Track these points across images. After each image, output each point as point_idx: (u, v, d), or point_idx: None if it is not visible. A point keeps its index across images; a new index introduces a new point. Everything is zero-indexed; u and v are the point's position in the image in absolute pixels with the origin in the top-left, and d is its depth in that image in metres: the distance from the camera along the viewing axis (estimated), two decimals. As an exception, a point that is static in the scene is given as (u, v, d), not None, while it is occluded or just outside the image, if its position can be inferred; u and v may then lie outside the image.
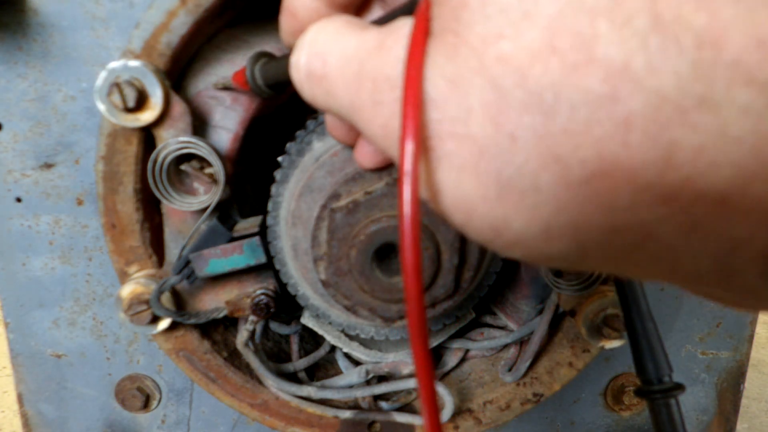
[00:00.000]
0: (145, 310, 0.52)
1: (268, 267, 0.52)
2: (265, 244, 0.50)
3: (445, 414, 0.59)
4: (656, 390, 0.43)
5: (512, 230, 0.22)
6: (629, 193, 0.18)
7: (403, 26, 0.24)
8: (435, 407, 0.23)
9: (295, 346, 0.63)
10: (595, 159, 0.18)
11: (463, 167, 0.21)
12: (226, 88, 0.50)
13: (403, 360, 0.60)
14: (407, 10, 0.27)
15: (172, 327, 0.55)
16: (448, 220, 0.24)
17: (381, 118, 0.24)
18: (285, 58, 0.38)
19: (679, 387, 0.43)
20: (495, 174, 0.21)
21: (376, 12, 0.32)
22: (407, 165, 0.21)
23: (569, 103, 0.18)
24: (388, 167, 0.39)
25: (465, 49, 0.20)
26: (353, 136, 0.36)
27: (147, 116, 0.46)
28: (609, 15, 0.17)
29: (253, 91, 0.43)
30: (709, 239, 0.18)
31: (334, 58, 0.26)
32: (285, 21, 0.32)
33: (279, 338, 0.67)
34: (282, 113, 0.64)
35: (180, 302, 0.54)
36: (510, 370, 0.61)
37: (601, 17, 0.17)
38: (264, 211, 0.51)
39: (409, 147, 0.21)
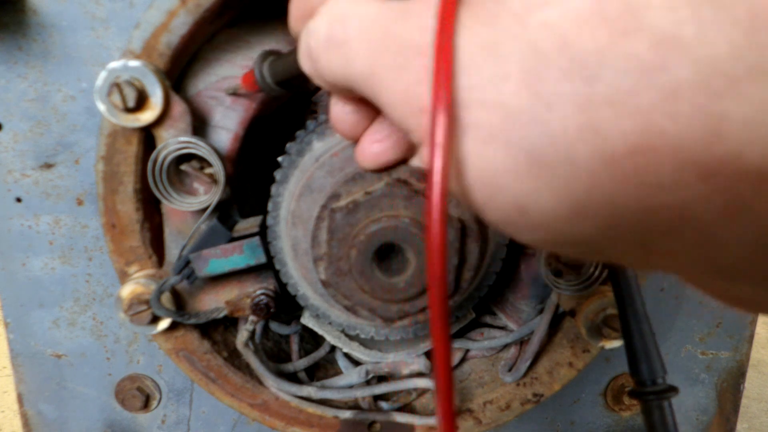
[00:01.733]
0: (145, 310, 0.52)
1: (268, 267, 0.52)
2: (265, 244, 0.50)
3: (445, 414, 0.59)
4: (649, 392, 0.43)
5: (539, 208, 0.21)
6: (672, 170, 0.17)
7: None
8: (452, 407, 0.23)
9: (295, 346, 0.63)
10: (638, 131, 0.18)
11: (490, 138, 0.20)
12: (236, 93, 0.50)
13: (403, 360, 0.60)
14: None
15: (172, 327, 0.55)
16: (468, 198, 0.23)
17: (403, 83, 0.23)
18: (292, 53, 0.38)
19: (673, 389, 0.43)
20: (527, 145, 0.20)
21: None
22: (438, 136, 0.20)
23: (614, 70, 0.18)
24: (388, 168, 0.39)
25: (506, 14, 0.20)
26: (359, 129, 0.35)
27: (147, 116, 0.46)
28: None
29: (263, 91, 0.43)
30: (751, 222, 0.17)
31: (356, 22, 0.25)
32: (295, 3, 0.32)
33: (279, 338, 0.67)
34: (282, 113, 0.64)
35: (180, 302, 0.54)
36: (510, 370, 0.61)
37: None
38: (264, 211, 0.51)
39: (441, 117, 0.20)
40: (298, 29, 0.33)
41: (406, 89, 0.23)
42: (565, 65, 0.18)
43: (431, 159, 0.21)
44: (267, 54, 0.43)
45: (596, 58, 0.18)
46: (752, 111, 0.16)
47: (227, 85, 0.51)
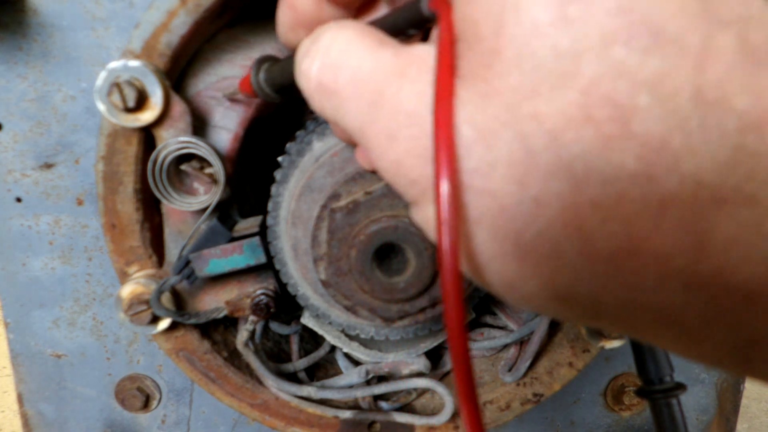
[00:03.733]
0: (145, 310, 0.52)
1: (268, 267, 0.52)
2: (265, 244, 0.50)
3: (445, 414, 0.59)
4: (657, 390, 0.43)
5: (525, 289, 0.21)
6: (655, 276, 0.17)
7: (426, 56, 0.23)
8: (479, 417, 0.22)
9: (295, 346, 0.63)
10: (622, 236, 0.17)
11: (479, 221, 0.20)
12: (234, 99, 0.50)
13: (403, 360, 0.60)
14: (411, 12, 0.26)
15: (172, 327, 0.55)
16: (464, 265, 0.23)
17: (394, 153, 0.23)
18: (288, 60, 0.38)
19: (681, 386, 0.43)
20: (514, 234, 0.19)
21: (383, 10, 0.31)
22: (444, 213, 0.20)
23: (600, 176, 0.17)
24: None
25: (497, 100, 0.19)
26: None
27: (147, 116, 0.46)
28: (651, 87, 0.16)
29: (261, 98, 0.42)
30: (730, 331, 0.18)
31: (347, 74, 0.24)
32: (283, 14, 0.31)
33: (279, 338, 0.67)
34: (282, 113, 0.64)
35: (180, 302, 0.54)
36: (510, 370, 0.61)
37: (642, 88, 0.16)
38: (264, 211, 0.51)
39: (445, 193, 0.20)
40: (287, 40, 0.32)
41: (396, 159, 0.23)
42: (552, 163, 0.18)
43: (439, 238, 0.20)
44: (262, 60, 0.42)
45: (582, 162, 0.17)
46: (736, 233, 0.16)
47: (226, 86, 0.51)
